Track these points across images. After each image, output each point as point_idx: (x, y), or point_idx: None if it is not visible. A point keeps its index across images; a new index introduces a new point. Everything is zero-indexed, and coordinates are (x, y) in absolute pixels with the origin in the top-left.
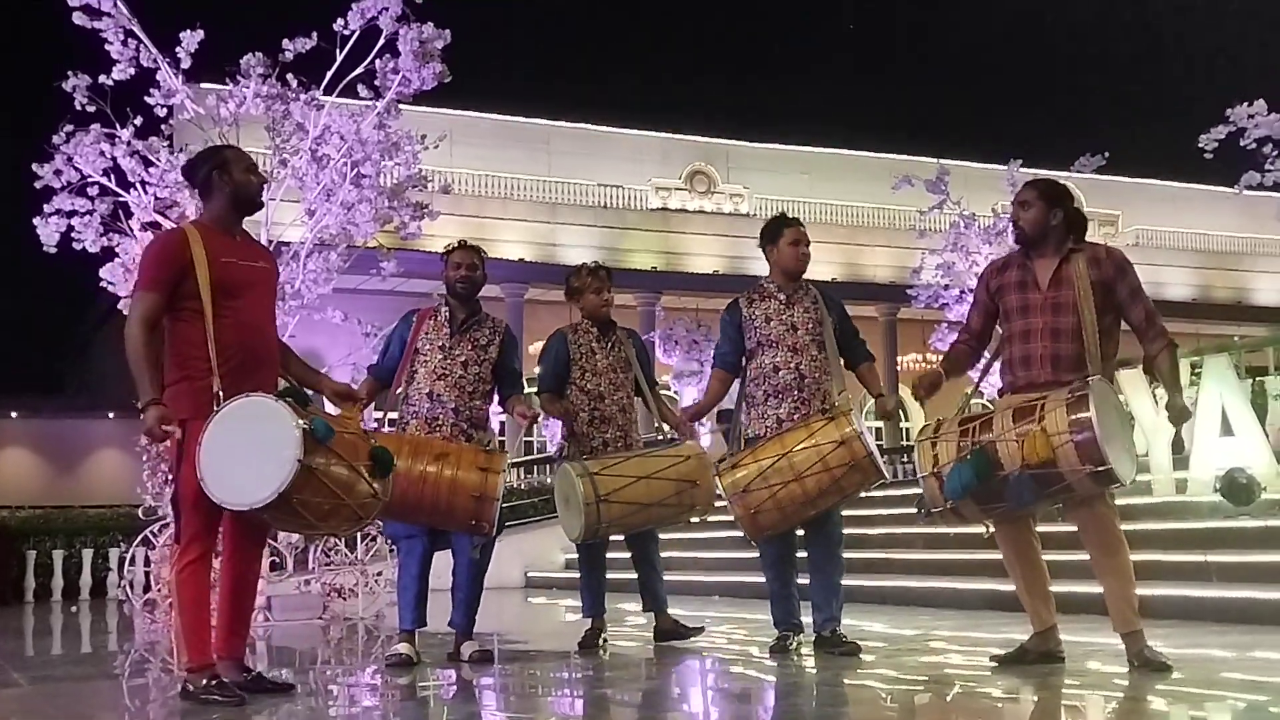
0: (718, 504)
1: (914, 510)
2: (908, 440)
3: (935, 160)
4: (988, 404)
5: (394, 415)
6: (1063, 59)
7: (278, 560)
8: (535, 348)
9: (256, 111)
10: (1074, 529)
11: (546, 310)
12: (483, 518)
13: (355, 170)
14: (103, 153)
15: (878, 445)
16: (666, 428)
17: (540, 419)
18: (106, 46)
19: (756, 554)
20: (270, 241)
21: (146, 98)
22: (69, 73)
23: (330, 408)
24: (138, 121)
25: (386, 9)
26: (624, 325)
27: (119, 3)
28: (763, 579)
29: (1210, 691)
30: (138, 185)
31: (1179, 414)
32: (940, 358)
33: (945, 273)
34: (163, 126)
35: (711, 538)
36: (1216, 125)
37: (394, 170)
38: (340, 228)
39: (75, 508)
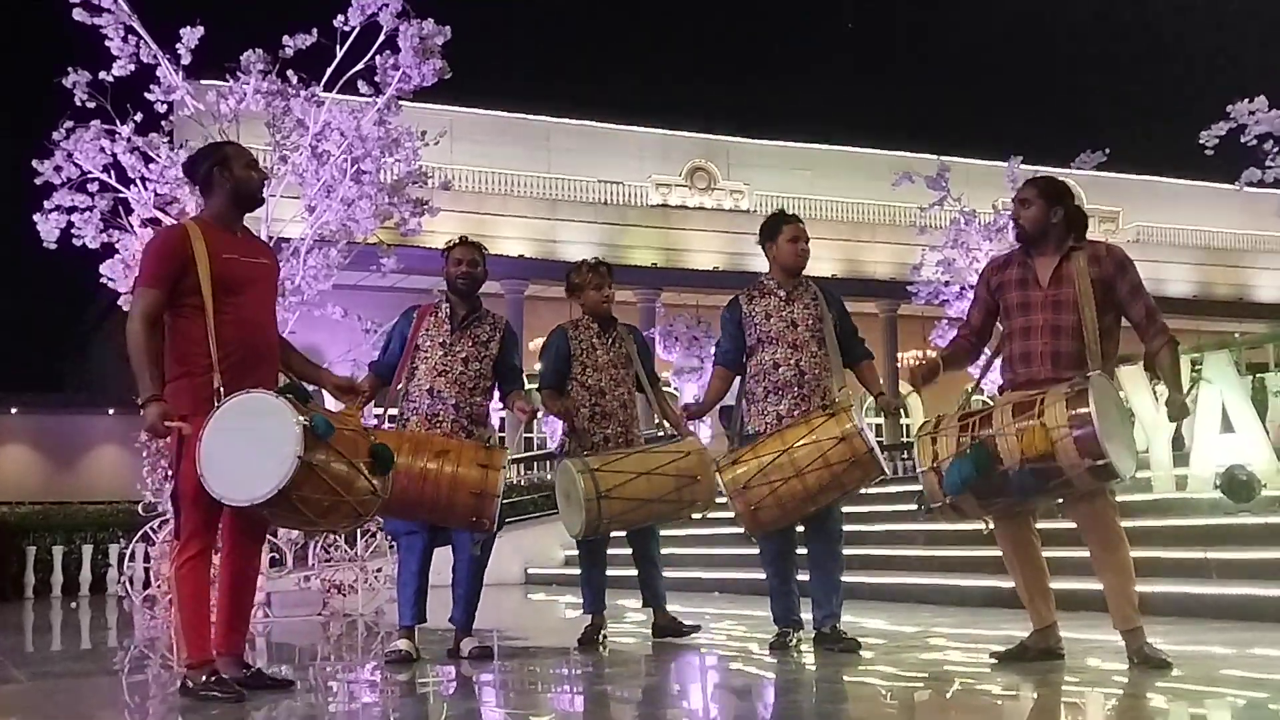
0: (718, 500)
1: (914, 507)
2: (908, 437)
3: (936, 157)
4: (988, 400)
5: (394, 411)
6: (1062, 58)
7: (277, 556)
8: (535, 344)
9: (257, 108)
10: (1074, 526)
11: (547, 307)
12: (483, 514)
13: (355, 166)
14: (103, 149)
15: (878, 442)
16: (668, 424)
17: (540, 415)
18: (106, 43)
19: (756, 550)
20: (270, 238)
21: (147, 94)
22: (69, 69)
23: (331, 403)
24: (138, 118)
25: (387, 5)
26: (624, 322)
27: None
28: (762, 575)
29: (1210, 689)
30: (138, 181)
31: (1178, 410)
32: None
33: (946, 269)
34: (163, 123)
35: (711, 534)
36: (1217, 122)
37: (394, 166)
38: (340, 224)
39: (75, 504)
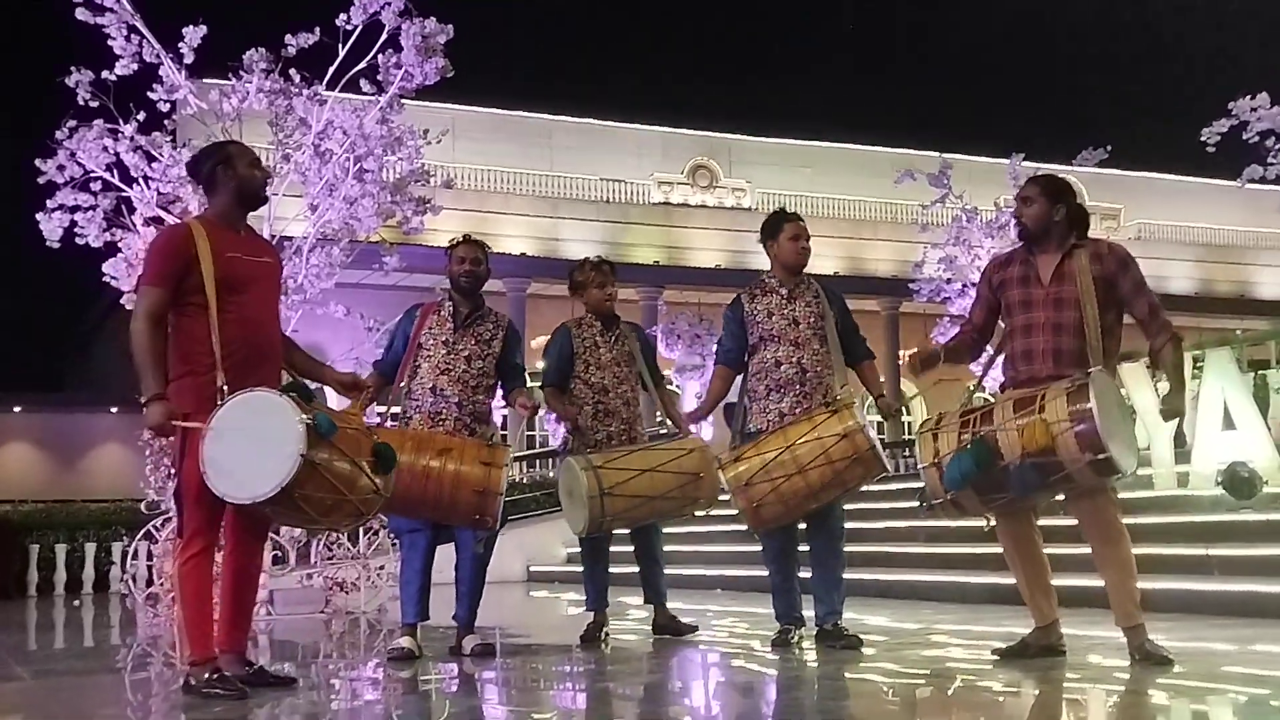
0: (721, 497)
1: (916, 504)
2: (909, 434)
3: (938, 154)
4: (990, 398)
5: (397, 410)
6: (1064, 57)
7: (280, 554)
8: (537, 342)
9: (259, 107)
10: (1075, 523)
11: (548, 305)
12: (486, 512)
13: (358, 165)
14: (105, 148)
15: (880, 439)
16: (671, 422)
17: (542, 413)
18: (109, 42)
19: (758, 548)
20: (273, 236)
21: (149, 93)
22: (72, 68)
23: (334, 402)
24: (140, 117)
25: (389, 4)
26: (627, 320)
27: None
28: (764, 573)
29: (1212, 685)
30: (141, 180)
31: (1172, 411)
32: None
33: (948, 267)
34: (165, 122)
35: (713, 531)
36: (1219, 119)
37: (396, 165)
38: (343, 222)
39: (78, 502)
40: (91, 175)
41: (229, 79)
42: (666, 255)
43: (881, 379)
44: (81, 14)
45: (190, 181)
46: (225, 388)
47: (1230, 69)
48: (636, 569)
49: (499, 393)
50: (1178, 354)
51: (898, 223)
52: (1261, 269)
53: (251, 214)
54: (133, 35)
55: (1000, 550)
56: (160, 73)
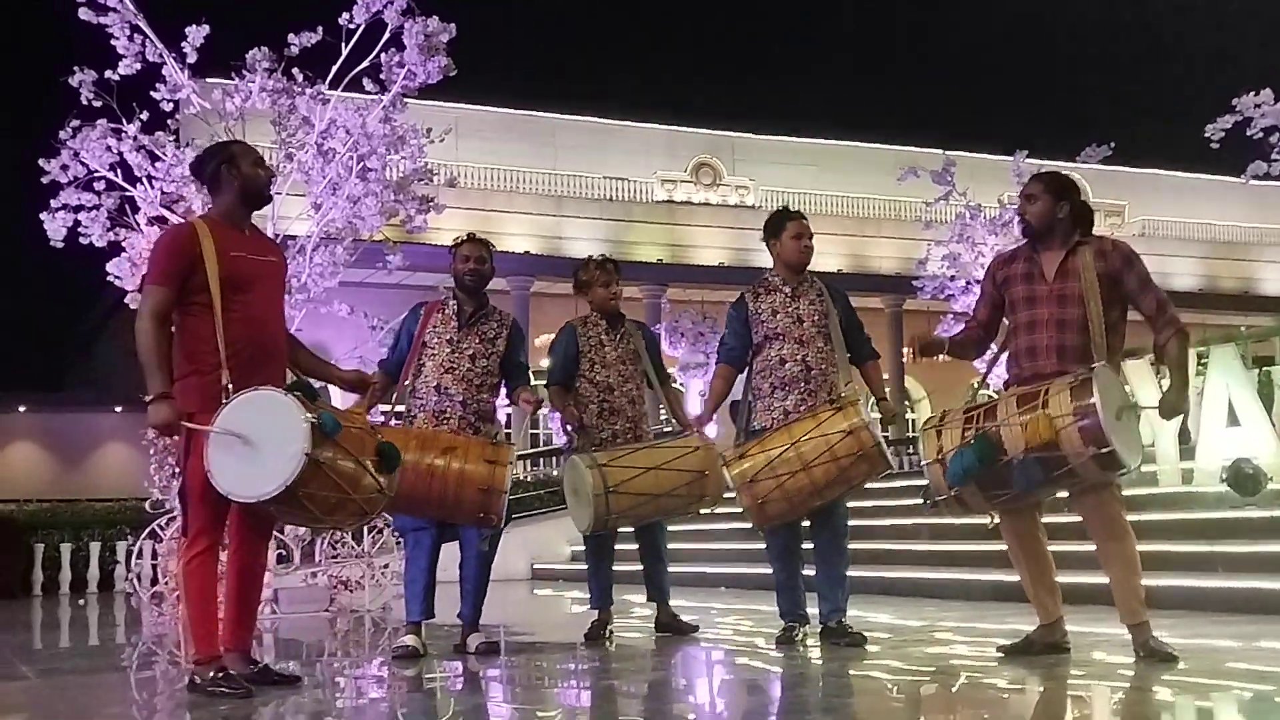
0: (726, 495)
1: (920, 501)
2: (913, 432)
3: (941, 151)
4: (994, 395)
5: (402, 408)
6: (1066, 56)
7: (284, 553)
8: (541, 340)
9: (262, 106)
10: (1080, 520)
11: (552, 303)
12: (490, 510)
13: (361, 164)
14: (109, 148)
15: (884, 436)
16: (675, 420)
17: (546, 411)
18: (112, 42)
19: (763, 545)
20: (277, 235)
21: (152, 93)
22: (75, 68)
23: (338, 400)
24: (144, 116)
25: (391, 3)
26: (633, 318)
27: None
28: (769, 570)
29: (1216, 682)
30: (144, 180)
31: (1171, 410)
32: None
33: (951, 264)
34: (169, 121)
35: (717, 529)
36: (1223, 115)
37: (400, 164)
38: (346, 221)
39: (82, 501)
40: (95, 175)
41: (232, 78)
42: (670, 253)
43: (885, 376)
44: (84, 14)
45: (194, 181)
46: (230, 387)
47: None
48: (640, 567)
49: (503, 391)
50: (1183, 350)
51: (901, 220)
52: (1266, 265)
53: (255, 213)
54: (135, 35)
55: (1004, 547)
56: (163, 72)
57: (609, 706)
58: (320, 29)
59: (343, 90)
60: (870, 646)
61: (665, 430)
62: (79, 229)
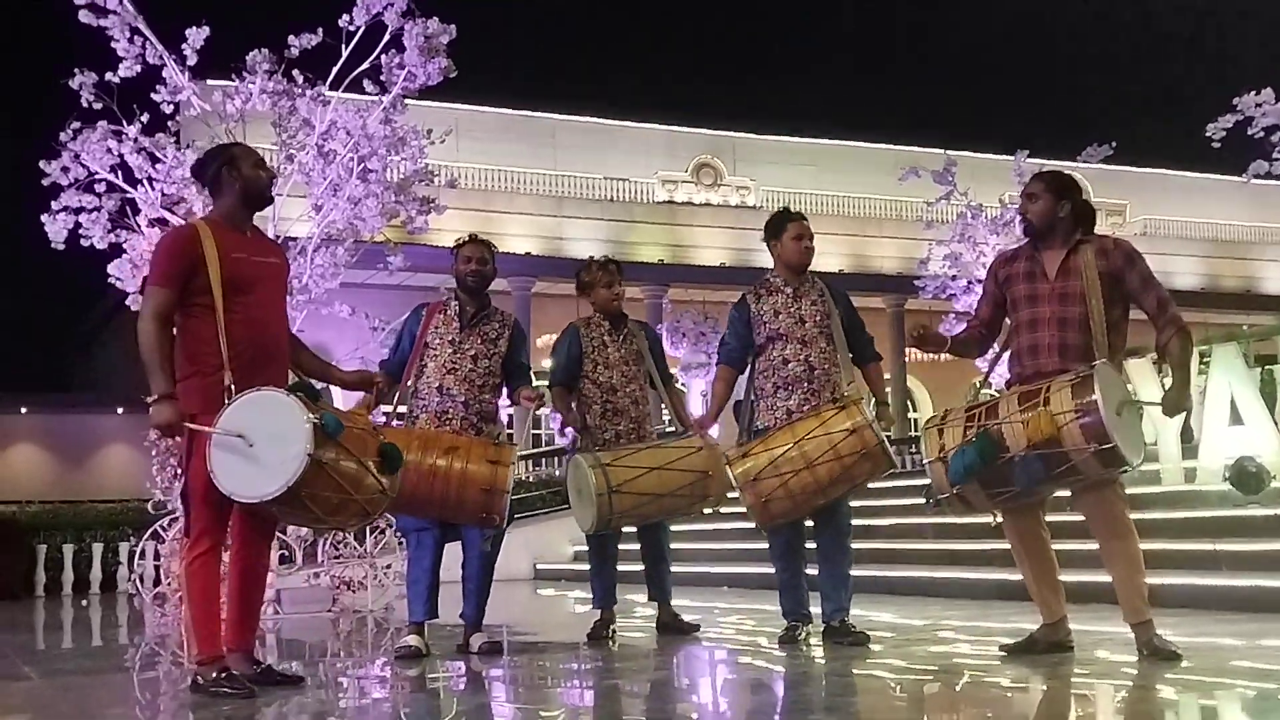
0: (729, 495)
1: (922, 500)
2: (915, 431)
3: (942, 151)
4: (996, 394)
5: (404, 409)
6: (1067, 55)
7: (287, 553)
8: (543, 341)
9: (263, 107)
10: (1083, 519)
11: (554, 304)
12: (493, 510)
13: (362, 165)
14: (110, 149)
15: (887, 435)
16: (678, 421)
17: (547, 410)
18: (113, 44)
19: (765, 545)
20: (278, 237)
21: (153, 94)
22: (76, 70)
23: (339, 402)
24: (144, 118)
25: (391, 4)
26: (635, 318)
27: (125, 1)
28: (771, 569)
29: (1220, 680)
30: (145, 182)
31: (1174, 406)
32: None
33: (953, 264)
34: (169, 123)
35: (720, 529)
36: (1224, 115)
37: (400, 165)
38: (347, 223)
39: (85, 502)
40: (96, 177)
41: (232, 80)
42: (671, 254)
43: (887, 376)
44: (84, 16)
45: (195, 183)
46: (232, 388)
47: (1234, 66)
48: (642, 567)
49: (505, 392)
50: (1185, 349)
51: (902, 220)
52: (1268, 264)
53: (256, 215)
54: (135, 37)
55: (1007, 546)
56: (164, 74)
57: (612, 706)
58: (320, 30)
59: (343, 92)
60: (873, 646)
61: (668, 430)
62: (80, 231)
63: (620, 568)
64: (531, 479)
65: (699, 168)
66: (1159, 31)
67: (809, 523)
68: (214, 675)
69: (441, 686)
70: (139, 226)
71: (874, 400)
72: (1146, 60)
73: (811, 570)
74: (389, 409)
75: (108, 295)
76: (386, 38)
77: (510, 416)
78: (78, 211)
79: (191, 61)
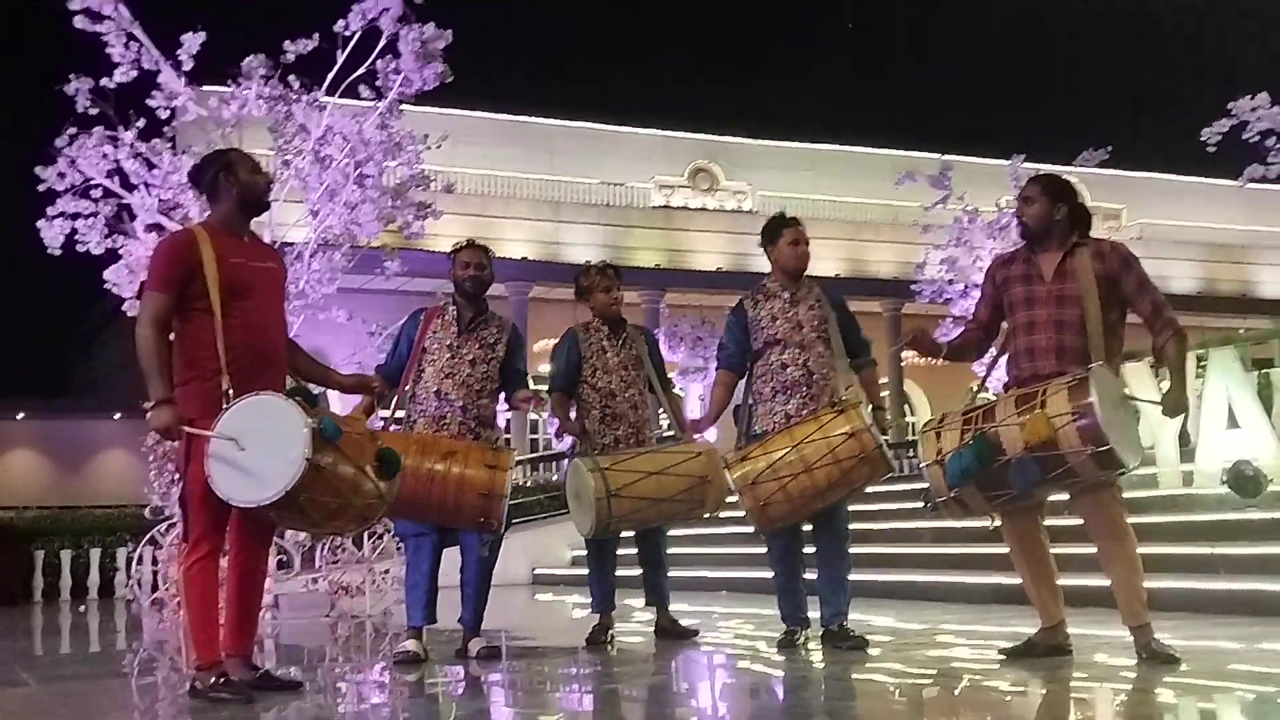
0: (728, 500)
1: (921, 504)
2: (913, 435)
3: (938, 156)
4: (993, 398)
5: (401, 414)
6: (1064, 58)
7: (285, 558)
8: (539, 346)
9: (259, 113)
10: (1081, 522)
11: (550, 309)
12: (491, 515)
13: (358, 170)
14: (105, 155)
15: (885, 439)
16: (676, 426)
17: (545, 415)
18: (108, 49)
19: (764, 549)
20: (274, 242)
21: (149, 100)
22: (71, 75)
23: (336, 406)
24: (140, 124)
25: (387, 9)
26: (634, 323)
27: (120, 6)
28: (769, 574)
29: (1219, 684)
30: (141, 187)
31: (1173, 407)
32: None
33: (949, 268)
34: (165, 128)
35: (718, 533)
36: (1219, 119)
37: (397, 170)
38: (344, 228)
39: (82, 508)
40: (92, 182)
41: (228, 85)
42: (668, 258)
43: (884, 380)
44: (80, 22)
45: (192, 189)
46: (230, 392)
47: (1230, 69)
48: (639, 571)
49: (502, 396)
50: (1181, 350)
51: (899, 224)
52: (1264, 268)
53: (253, 220)
54: (131, 42)
55: (1006, 550)
56: (159, 79)
57: (611, 711)
58: (316, 36)
59: (339, 97)
60: (872, 650)
61: (667, 435)
62: (76, 236)
63: (620, 572)
64: (530, 483)
65: (695, 172)
66: (1155, 34)
67: (807, 527)
68: (212, 681)
69: (440, 692)
70: (135, 232)
71: (870, 406)
72: (1142, 63)
73: (810, 575)
74: (386, 414)
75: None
76: (382, 43)
77: (508, 421)
78: (74, 217)
79: (188, 67)
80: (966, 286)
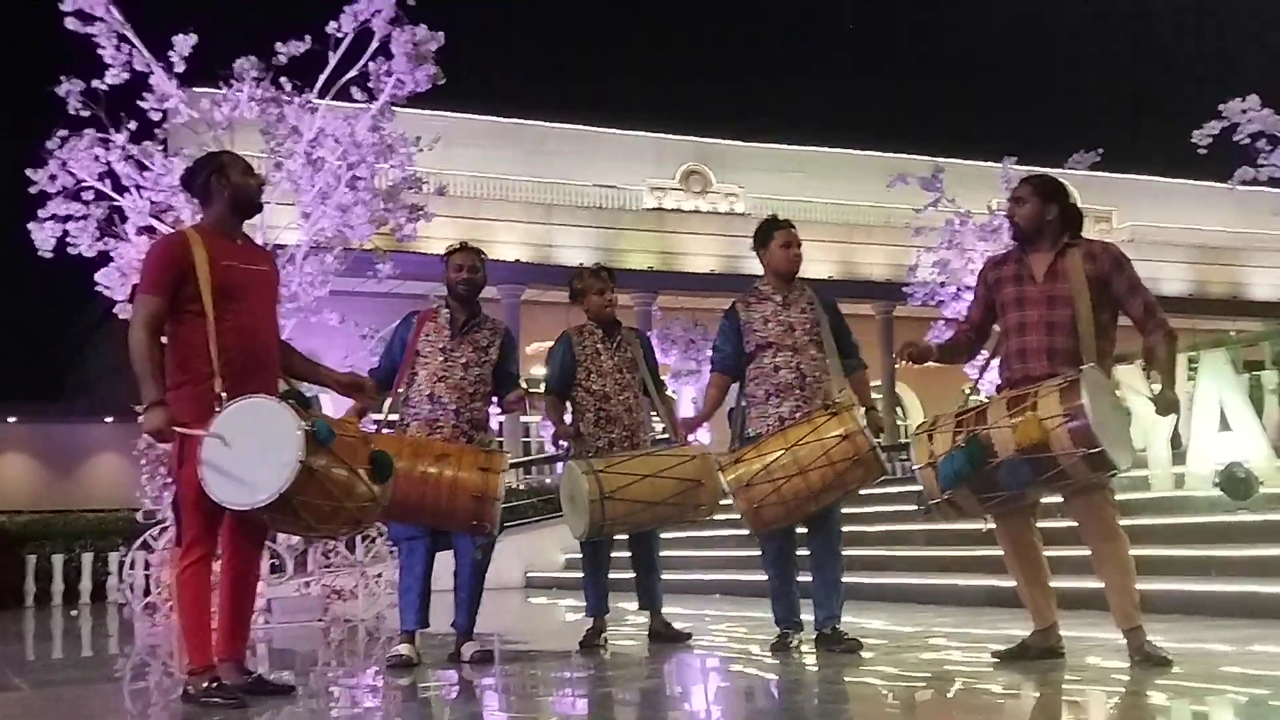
0: (722, 503)
1: (914, 507)
2: (906, 437)
3: (930, 158)
4: (986, 400)
5: (394, 417)
6: (1058, 58)
7: (277, 562)
8: (532, 349)
9: (251, 115)
10: (1074, 525)
11: (543, 311)
12: (484, 518)
13: (350, 173)
14: (97, 157)
15: (878, 442)
16: (669, 429)
17: (538, 418)
18: (99, 51)
19: (757, 552)
20: (266, 244)
21: (140, 102)
22: (62, 78)
23: (329, 408)
24: (132, 126)
25: (379, 11)
26: (629, 326)
27: (111, 8)
28: (763, 577)
29: (1211, 686)
30: (132, 189)
31: (1166, 406)
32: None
33: (941, 270)
34: (157, 130)
35: (711, 536)
36: (1210, 121)
37: (389, 172)
38: (336, 230)
39: (74, 512)
40: (83, 185)
41: (220, 87)
42: (660, 261)
43: (877, 382)
44: (71, 24)
45: (184, 192)
46: (223, 395)
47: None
48: (633, 575)
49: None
50: (1171, 352)
51: (891, 227)
52: (1254, 270)
53: (245, 222)
54: (123, 44)
55: (999, 553)
56: (151, 81)
57: (605, 715)
58: (308, 38)
59: (331, 99)
60: (865, 653)
61: (661, 438)
62: (67, 239)
63: (614, 575)
64: (523, 487)
65: (687, 175)
66: (1147, 36)
67: (801, 530)
68: (205, 685)
69: (433, 696)
70: (127, 234)
71: (862, 408)
72: (1136, 64)
73: (803, 577)
74: (379, 416)
75: (97, 302)
76: (375, 45)
77: (501, 424)
78: (65, 219)
79: (179, 69)
80: (958, 289)
